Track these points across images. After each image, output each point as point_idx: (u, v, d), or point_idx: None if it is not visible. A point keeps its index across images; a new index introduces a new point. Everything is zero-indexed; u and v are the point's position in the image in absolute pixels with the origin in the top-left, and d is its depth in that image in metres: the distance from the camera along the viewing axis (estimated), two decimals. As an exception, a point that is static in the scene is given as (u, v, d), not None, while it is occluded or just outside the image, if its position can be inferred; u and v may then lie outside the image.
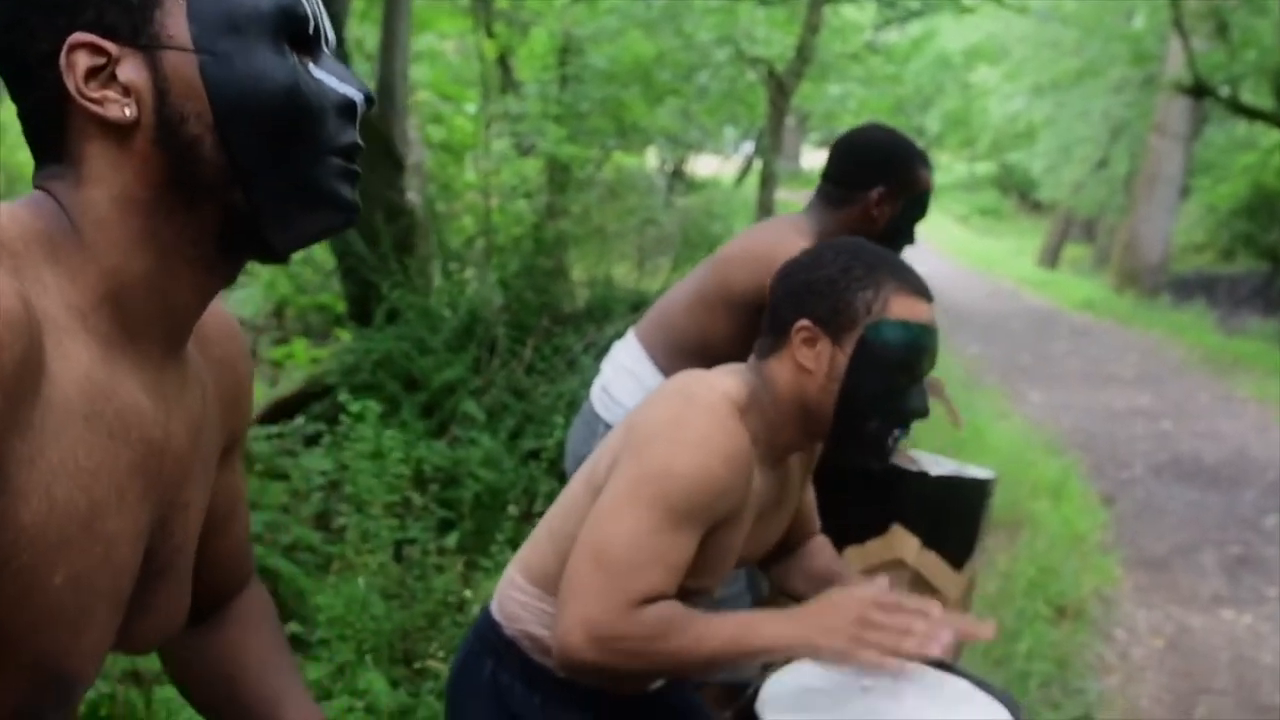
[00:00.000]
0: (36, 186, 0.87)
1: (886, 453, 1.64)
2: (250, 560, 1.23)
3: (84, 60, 0.83)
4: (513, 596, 1.72)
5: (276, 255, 0.93)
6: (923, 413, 1.62)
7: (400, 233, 4.72)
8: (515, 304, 4.59)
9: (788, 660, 1.56)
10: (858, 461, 1.66)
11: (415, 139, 8.28)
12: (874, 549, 2.76)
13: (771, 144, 10.09)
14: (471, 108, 10.33)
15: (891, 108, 13.09)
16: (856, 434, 1.61)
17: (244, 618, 1.20)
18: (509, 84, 10.31)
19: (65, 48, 0.82)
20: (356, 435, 3.23)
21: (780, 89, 9.72)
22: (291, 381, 4.96)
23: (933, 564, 2.71)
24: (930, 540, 2.77)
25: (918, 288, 1.61)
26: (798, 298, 1.62)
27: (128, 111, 0.83)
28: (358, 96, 0.92)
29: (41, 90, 0.84)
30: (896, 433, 1.62)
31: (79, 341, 0.81)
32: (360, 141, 0.93)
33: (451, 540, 3.39)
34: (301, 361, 5.92)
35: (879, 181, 2.54)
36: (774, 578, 2.02)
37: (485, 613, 1.79)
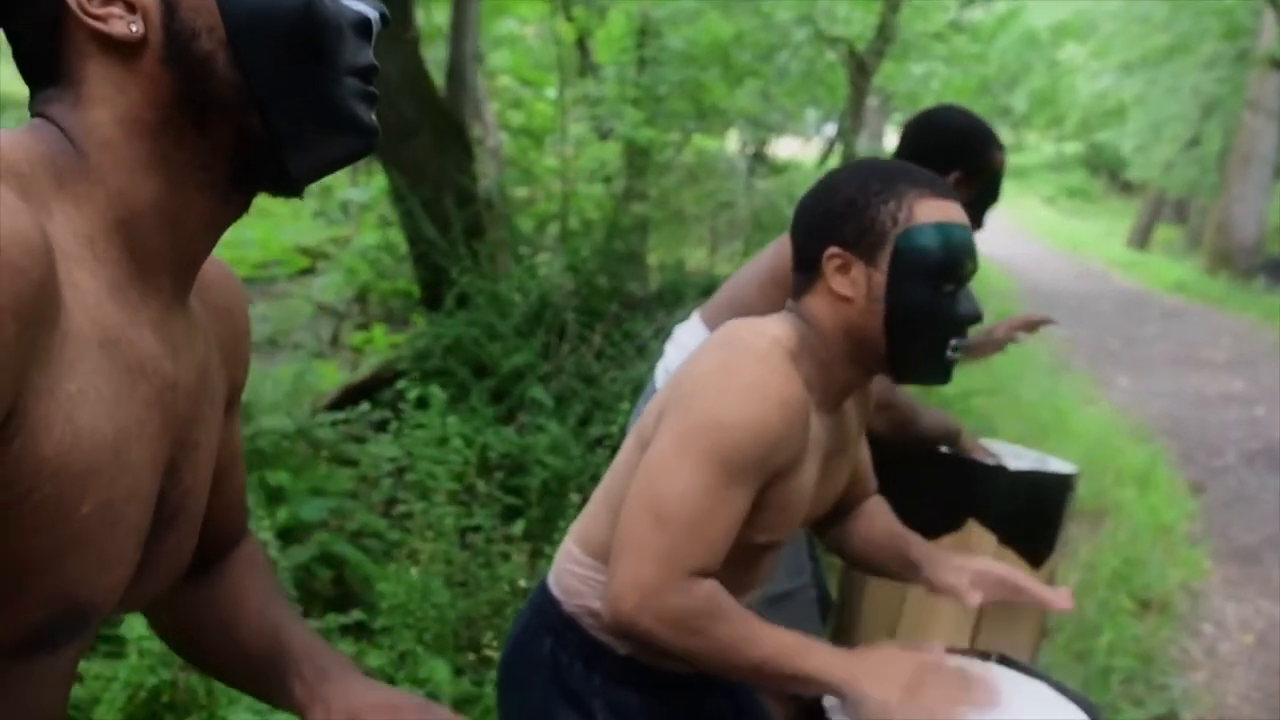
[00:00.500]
0: (34, 114, 0.82)
1: (947, 367, 1.56)
2: (245, 515, 1.21)
3: None
4: (570, 570, 1.66)
5: (293, 184, 0.89)
6: (976, 317, 1.54)
7: (471, 218, 4.70)
8: (586, 289, 4.56)
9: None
10: (921, 380, 1.59)
11: (492, 123, 8.28)
12: (948, 546, 2.68)
13: (852, 125, 9.93)
14: (551, 92, 10.31)
15: (976, 87, 12.86)
16: (912, 353, 1.54)
17: (239, 570, 1.17)
18: (587, 68, 10.28)
19: None
20: (415, 422, 3.22)
21: (861, 69, 9.57)
22: (367, 367, 4.98)
23: (1010, 562, 2.63)
24: (1008, 537, 2.69)
25: (940, 189, 1.54)
26: (820, 227, 1.55)
27: (134, 28, 0.79)
28: (373, 14, 0.89)
29: (36, 7, 0.79)
30: (953, 343, 1.54)
31: (88, 270, 0.77)
32: (376, 63, 0.89)
33: (517, 528, 3.36)
34: (380, 347, 5.93)
35: (955, 164, 2.47)
36: (830, 541, 1.95)
37: (542, 587, 1.73)
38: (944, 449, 2.65)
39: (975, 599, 1.80)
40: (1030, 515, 2.71)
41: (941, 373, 1.56)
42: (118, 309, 0.79)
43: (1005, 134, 21.13)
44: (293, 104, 0.84)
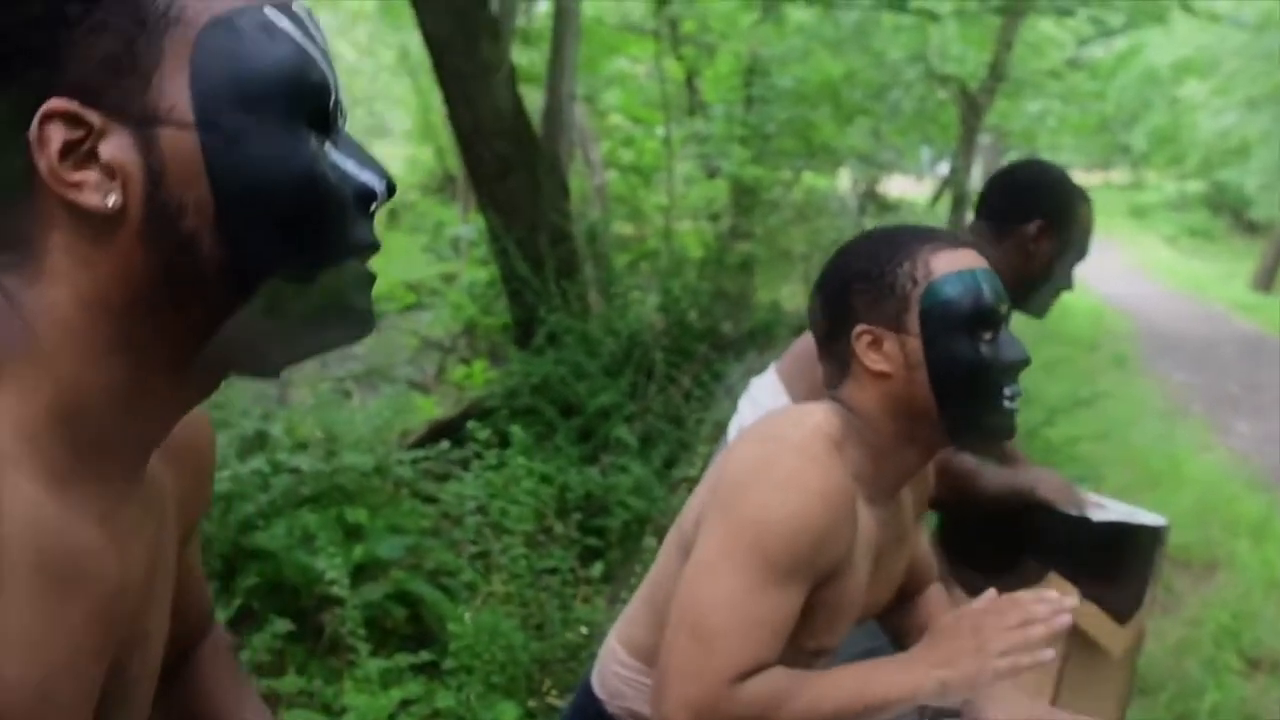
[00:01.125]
0: None
1: (1008, 418, 1.47)
2: (207, 608, 1.16)
3: (59, 134, 0.67)
4: (615, 671, 1.60)
5: (270, 373, 0.80)
6: (1024, 360, 1.46)
7: (564, 256, 4.71)
8: (677, 328, 4.54)
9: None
10: (986, 439, 1.51)
11: (598, 162, 8.35)
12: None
13: (964, 164, 9.82)
14: (661, 130, 10.36)
15: (1095, 125, 12.61)
16: (968, 412, 1.45)
17: (204, 670, 1.13)
18: (696, 106, 10.30)
19: (38, 117, 0.67)
20: (488, 463, 3.21)
21: (972, 107, 9.46)
22: (458, 403, 5.01)
23: (1093, 617, 2.53)
24: (1091, 591, 2.58)
25: (952, 240, 1.48)
26: (840, 310, 1.48)
27: (111, 200, 0.68)
28: (379, 185, 0.78)
29: (1, 162, 0.69)
30: (1007, 392, 1.46)
31: (26, 472, 0.67)
32: (379, 240, 0.79)
33: (596, 570, 3.34)
34: (479, 383, 5.98)
35: (1038, 214, 2.39)
36: (889, 630, 1.88)
37: (585, 686, 1.67)
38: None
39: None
40: (1115, 569, 2.60)
41: (1004, 426, 1.48)
42: (59, 510, 0.69)
43: (1124, 172, 20.67)
44: (282, 288, 0.74)
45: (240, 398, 3.71)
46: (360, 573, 3.04)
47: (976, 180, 11.11)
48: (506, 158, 4.72)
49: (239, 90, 0.70)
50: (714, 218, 9.86)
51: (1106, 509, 2.68)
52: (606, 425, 4.05)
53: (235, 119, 0.70)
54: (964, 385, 1.44)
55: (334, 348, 0.81)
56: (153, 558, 0.82)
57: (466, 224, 9.30)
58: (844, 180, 12.95)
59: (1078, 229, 2.45)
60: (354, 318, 0.78)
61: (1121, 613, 2.59)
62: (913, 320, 1.43)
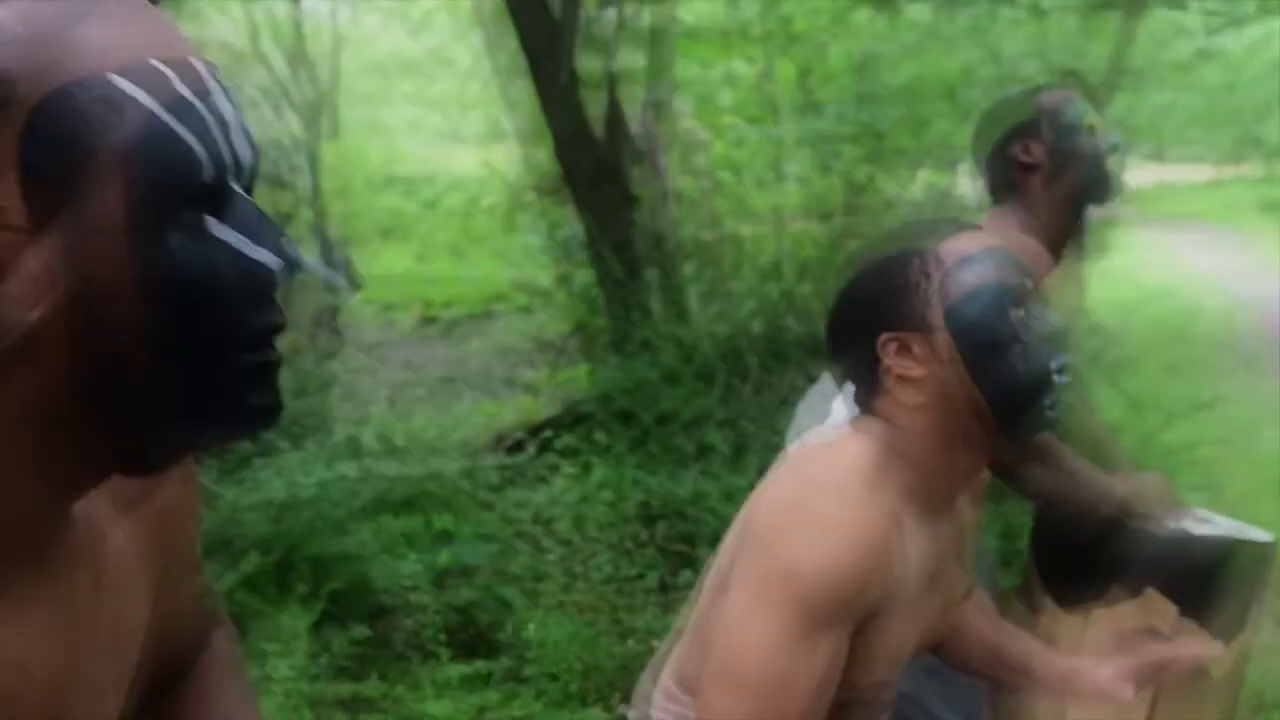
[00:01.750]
0: None
1: (1057, 392, 1.37)
2: (206, 622, 1.12)
3: None
4: (669, 709, 1.53)
5: (146, 469, 0.71)
6: (1062, 331, 1.39)
7: (663, 260, 4.70)
8: (774, 332, 4.49)
9: None
10: (1035, 424, 1.40)
11: (664, 167, 8.29)
12: (1125, 613, 2.50)
13: (1083, 159, 9.53)
14: (772, 130, 10.30)
15: (1225, 117, 12.20)
16: (1018, 395, 1.35)
17: (205, 684, 1.11)
18: (808, 105, 10.21)
19: None
20: (569, 470, 3.21)
21: (1092, 101, 9.17)
22: (561, 406, 5.03)
23: (1192, 636, 2.43)
24: (1191, 608, 2.48)
25: (955, 226, 1.41)
26: (859, 328, 1.40)
27: None
28: (274, 265, 0.67)
29: None
30: (1054, 365, 1.36)
31: None
32: (282, 321, 0.68)
33: (685, 578, 3.31)
34: (585, 386, 6.01)
35: (1014, 139, 2.23)
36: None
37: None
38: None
39: (1127, 693, 1.65)
40: (1217, 587, 2.49)
41: (1054, 400, 1.38)
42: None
43: (1256, 166, 19.96)
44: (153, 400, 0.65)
45: (335, 404, 3.77)
46: (446, 578, 3.06)
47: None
48: (602, 163, 4.73)
49: (75, 184, 0.60)
50: (825, 217, 9.76)
51: (1213, 524, 2.58)
52: (699, 431, 4.02)
53: (72, 218, 0.60)
54: (1007, 368, 1.34)
55: (220, 444, 0.73)
56: (74, 655, 0.74)
57: (579, 225, 9.34)
58: (963, 178, 12.74)
59: (1074, 151, 2.25)
60: (247, 415, 0.68)
61: (1223, 633, 2.49)
62: (936, 315, 1.35)
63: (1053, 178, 2.25)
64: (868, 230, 8.94)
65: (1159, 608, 2.46)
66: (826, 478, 1.34)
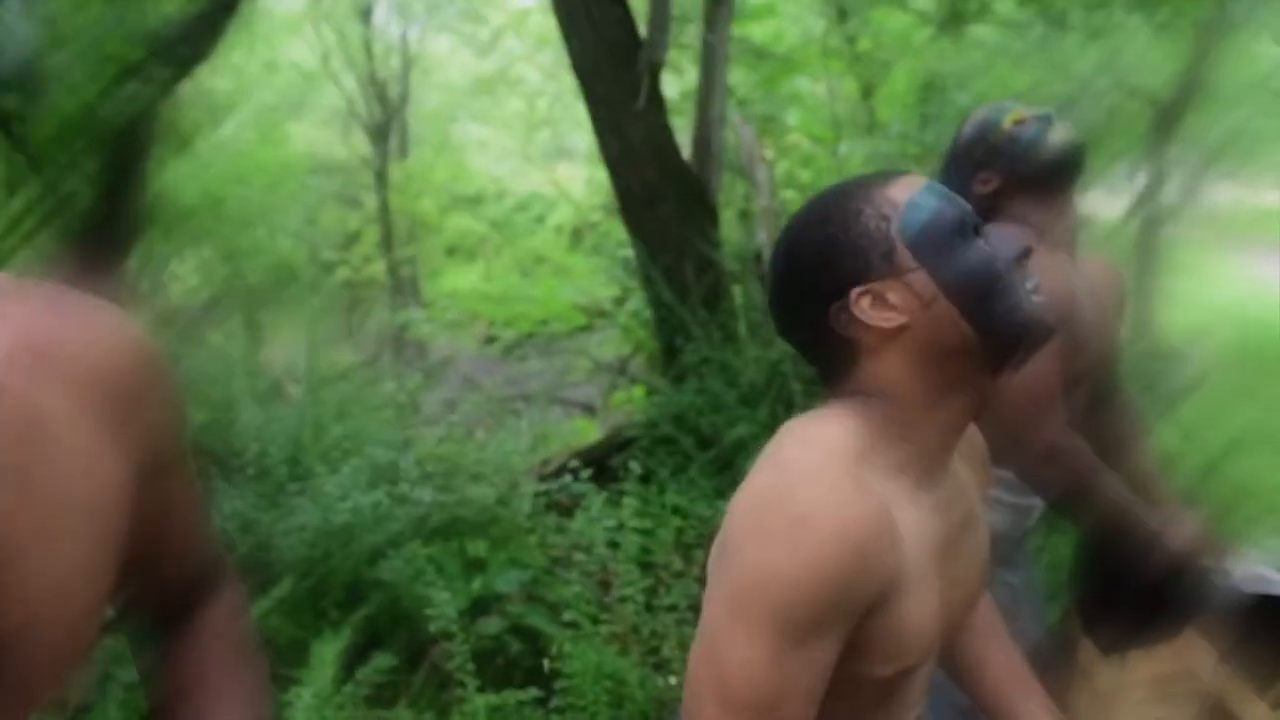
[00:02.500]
0: None
1: (1038, 311, 1.30)
2: (212, 565, 1.17)
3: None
4: None
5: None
6: (1026, 247, 1.32)
7: (710, 284, 4.68)
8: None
9: None
10: (1031, 339, 1.31)
11: (765, 184, 8.25)
12: (1163, 656, 2.43)
13: (1155, 179, 9.41)
14: (843, 149, 10.25)
15: (1305, 136, 11.90)
16: (1006, 315, 1.28)
17: (204, 634, 1.15)
18: (873, 125, 10.15)
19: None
20: (604, 497, 3.19)
21: (1163, 120, 9.06)
22: (605, 429, 5.02)
23: (1232, 683, 2.36)
24: (1230, 654, 2.40)
25: (891, 173, 1.34)
26: (816, 294, 1.30)
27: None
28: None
29: None
30: (1030, 284, 1.30)
31: None
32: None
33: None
34: (640, 408, 5.99)
35: (983, 165, 2.23)
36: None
37: None
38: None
39: None
40: (1257, 635, 2.41)
41: (1041, 320, 1.30)
42: None
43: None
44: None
45: (381, 426, 3.78)
46: (479, 605, 3.05)
47: (1173, 195, 10.64)
48: (654, 186, 4.71)
49: None
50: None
51: (1251, 562, 2.50)
52: (742, 457, 3.98)
53: None
54: (990, 288, 1.27)
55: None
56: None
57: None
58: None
59: (1040, 166, 2.23)
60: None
61: (1265, 681, 2.41)
62: (904, 255, 1.27)
63: (1019, 188, 2.23)
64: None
65: (1199, 652, 2.39)
66: (800, 469, 1.22)
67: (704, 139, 4.91)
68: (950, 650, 1.61)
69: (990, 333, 1.27)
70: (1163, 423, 4.12)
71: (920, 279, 1.27)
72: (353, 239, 14.79)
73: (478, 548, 3.06)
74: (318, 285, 15.30)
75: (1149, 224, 9.37)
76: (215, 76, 12.18)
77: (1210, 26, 8.14)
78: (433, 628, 2.72)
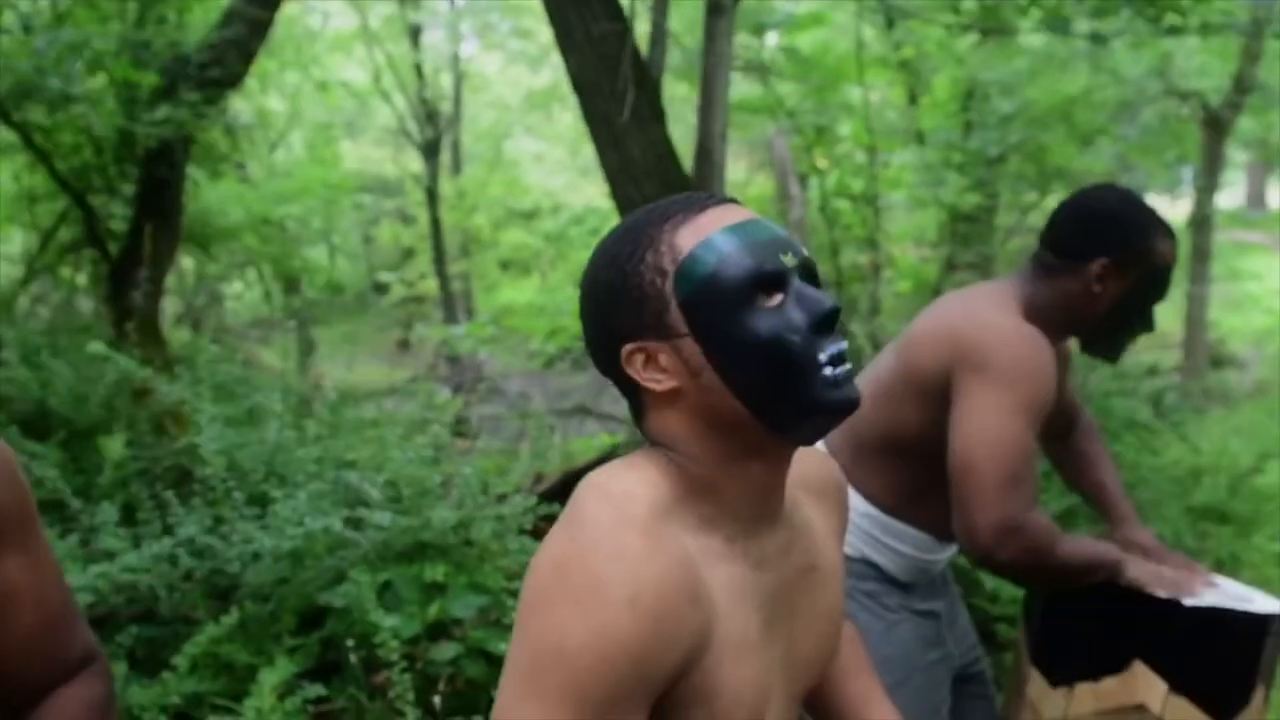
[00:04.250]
0: None
1: (840, 387, 1.16)
2: (63, 653, 1.13)
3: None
4: None
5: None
6: (829, 310, 1.14)
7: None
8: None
9: None
10: (820, 422, 1.17)
11: (798, 195, 8.18)
12: (1110, 689, 2.34)
13: (1207, 183, 9.20)
14: (894, 157, 10.14)
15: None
16: (783, 398, 1.14)
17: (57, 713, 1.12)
18: (916, 133, 10.03)
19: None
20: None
21: (1215, 123, 8.83)
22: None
23: (1184, 712, 2.25)
24: (1183, 684, 2.29)
25: (698, 204, 1.19)
26: (601, 333, 1.21)
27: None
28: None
29: None
30: (824, 356, 1.13)
31: None
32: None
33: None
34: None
35: (1103, 252, 2.13)
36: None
37: None
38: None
39: None
40: (1212, 662, 2.29)
41: (837, 400, 1.16)
42: None
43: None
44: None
45: (379, 447, 3.74)
46: (436, 630, 3.01)
47: (1227, 199, 10.37)
48: (653, 199, 4.63)
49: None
50: (935, 246, 9.54)
51: (1216, 589, 2.37)
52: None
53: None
54: (762, 370, 1.14)
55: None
56: None
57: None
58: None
59: (1153, 267, 2.16)
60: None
61: (1221, 710, 2.29)
62: (675, 318, 1.16)
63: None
64: (968, 258, 8.73)
65: (1148, 683, 2.28)
66: (593, 531, 1.12)
67: (705, 150, 4.83)
68: (815, 700, 1.54)
69: (766, 413, 1.16)
70: (1203, 432, 3.97)
71: (688, 346, 1.16)
72: (406, 255, 14.92)
73: (436, 572, 3.01)
74: (370, 302, 15.51)
75: (1202, 228, 9.12)
76: (268, 97, 12.36)
77: (1258, 28, 7.90)
78: (380, 654, 2.67)
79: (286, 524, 2.92)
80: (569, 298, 12.14)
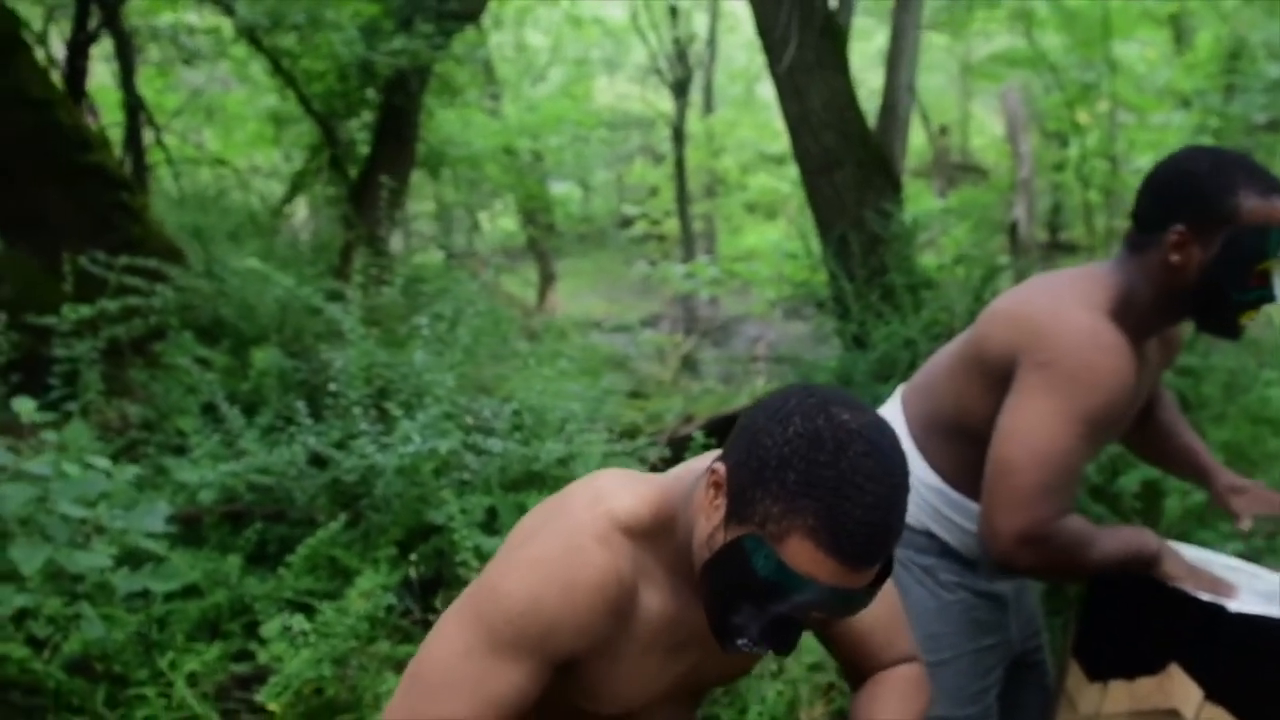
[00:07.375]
0: None
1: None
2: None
3: None
4: None
5: None
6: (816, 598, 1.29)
7: (882, 255, 4.52)
8: (947, 336, 4.19)
9: None
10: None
11: (1026, 154, 7.85)
12: (1145, 690, 2.23)
13: None
14: (1173, 117, 9.58)
15: None
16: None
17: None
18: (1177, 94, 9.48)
19: None
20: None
21: None
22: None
23: (1219, 722, 2.15)
24: (1219, 690, 2.17)
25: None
26: None
27: None
28: None
29: None
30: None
31: None
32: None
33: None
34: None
35: (1177, 217, 1.91)
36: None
37: None
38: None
39: None
40: (1254, 671, 2.16)
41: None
42: None
43: None
44: None
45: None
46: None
47: None
48: (833, 151, 4.59)
49: None
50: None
51: (1260, 581, 2.23)
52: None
53: None
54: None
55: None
56: None
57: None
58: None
59: (1242, 232, 1.90)
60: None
61: (1256, 717, 2.17)
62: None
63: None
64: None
65: (1183, 688, 2.18)
66: (568, 522, 1.36)
67: (890, 105, 4.74)
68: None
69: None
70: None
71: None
72: (652, 193, 15.07)
73: (536, 502, 3.11)
74: (614, 238, 15.70)
75: None
76: (526, 31, 12.67)
77: None
78: (461, 573, 2.80)
79: (401, 442, 3.08)
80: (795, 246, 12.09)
